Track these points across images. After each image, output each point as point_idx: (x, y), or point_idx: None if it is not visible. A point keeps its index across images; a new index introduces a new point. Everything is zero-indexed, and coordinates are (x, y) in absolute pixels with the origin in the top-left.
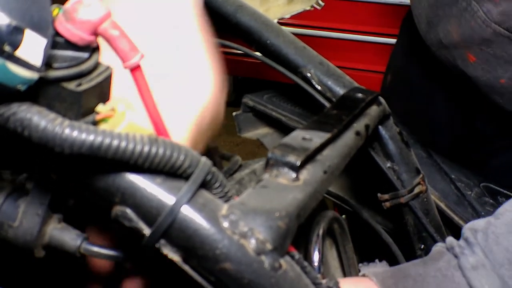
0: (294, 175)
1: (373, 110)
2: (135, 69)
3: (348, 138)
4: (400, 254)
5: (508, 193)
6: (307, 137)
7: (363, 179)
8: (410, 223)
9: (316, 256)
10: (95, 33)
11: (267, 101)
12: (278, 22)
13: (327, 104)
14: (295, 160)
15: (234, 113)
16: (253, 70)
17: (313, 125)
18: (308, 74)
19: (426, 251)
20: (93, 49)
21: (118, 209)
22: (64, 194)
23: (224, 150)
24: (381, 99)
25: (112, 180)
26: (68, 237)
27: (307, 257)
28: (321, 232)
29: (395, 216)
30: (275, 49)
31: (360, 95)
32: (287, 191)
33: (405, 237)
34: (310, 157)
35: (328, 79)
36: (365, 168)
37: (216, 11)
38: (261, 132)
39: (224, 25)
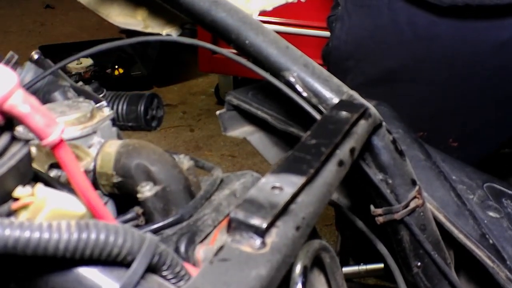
0: (259, 241)
1: (361, 127)
2: (57, 146)
3: (328, 174)
4: (396, 267)
5: None
6: (277, 185)
7: (358, 187)
8: (405, 240)
9: None
10: (1, 112)
11: (252, 99)
12: (259, 16)
13: (312, 112)
14: (261, 222)
15: (217, 112)
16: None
17: (286, 165)
18: (292, 79)
19: (423, 268)
20: (1, 128)
21: None
22: None
23: (223, 151)
24: (371, 110)
25: (39, 279)
26: None
27: None
28: (304, 268)
29: (389, 231)
30: (254, 49)
31: (344, 113)
32: (250, 265)
33: (401, 252)
34: (279, 215)
35: (314, 83)
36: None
37: (188, 7)
38: (247, 130)
39: (199, 23)
